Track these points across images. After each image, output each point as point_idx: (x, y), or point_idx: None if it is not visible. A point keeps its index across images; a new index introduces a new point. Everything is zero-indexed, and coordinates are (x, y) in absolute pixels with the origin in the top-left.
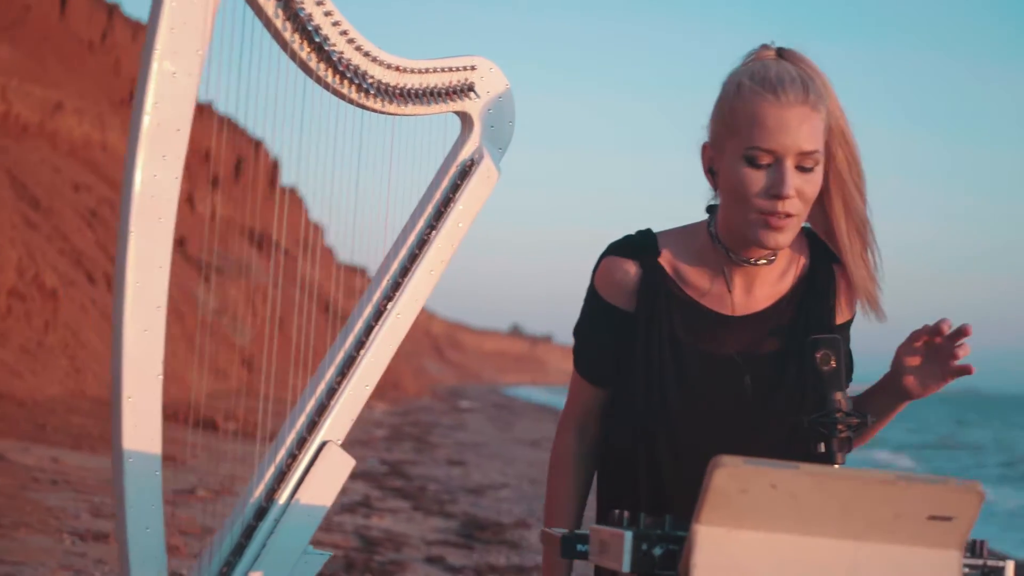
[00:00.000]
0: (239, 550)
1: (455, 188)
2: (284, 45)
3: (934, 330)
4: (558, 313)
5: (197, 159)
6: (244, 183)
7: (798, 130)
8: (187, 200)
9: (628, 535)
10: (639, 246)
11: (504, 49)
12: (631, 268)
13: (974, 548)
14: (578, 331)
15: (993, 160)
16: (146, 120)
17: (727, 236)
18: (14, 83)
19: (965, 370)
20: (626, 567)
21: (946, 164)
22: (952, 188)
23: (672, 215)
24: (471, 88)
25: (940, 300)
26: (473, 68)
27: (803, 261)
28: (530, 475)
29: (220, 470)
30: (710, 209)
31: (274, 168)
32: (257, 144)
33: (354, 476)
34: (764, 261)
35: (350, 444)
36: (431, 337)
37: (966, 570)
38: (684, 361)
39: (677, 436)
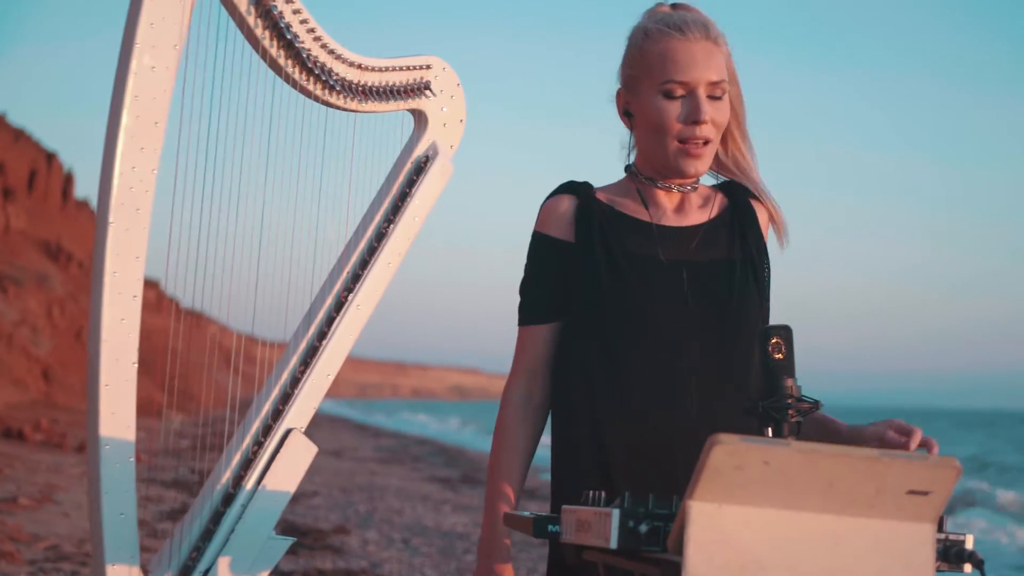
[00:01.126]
0: (207, 535)
1: (411, 183)
2: (255, 42)
3: (904, 434)
4: None
5: None
6: (37, 195)
7: (706, 62)
8: None
9: (616, 513)
10: (575, 185)
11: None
12: (568, 200)
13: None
14: (523, 282)
15: (987, 184)
16: (125, 113)
17: (652, 168)
18: None
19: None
20: (614, 544)
21: (939, 187)
22: (946, 211)
23: (497, 231)
24: (427, 87)
25: (934, 323)
26: (429, 67)
27: (721, 197)
28: (338, 483)
29: (36, 479)
30: (627, 169)
31: (68, 181)
32: (51, 156)
33: (167, 485)
34: (688, 188)
35: (156, 454)
36: (223, 350)
37: None
38: (637, 268)
39: (641, 337)
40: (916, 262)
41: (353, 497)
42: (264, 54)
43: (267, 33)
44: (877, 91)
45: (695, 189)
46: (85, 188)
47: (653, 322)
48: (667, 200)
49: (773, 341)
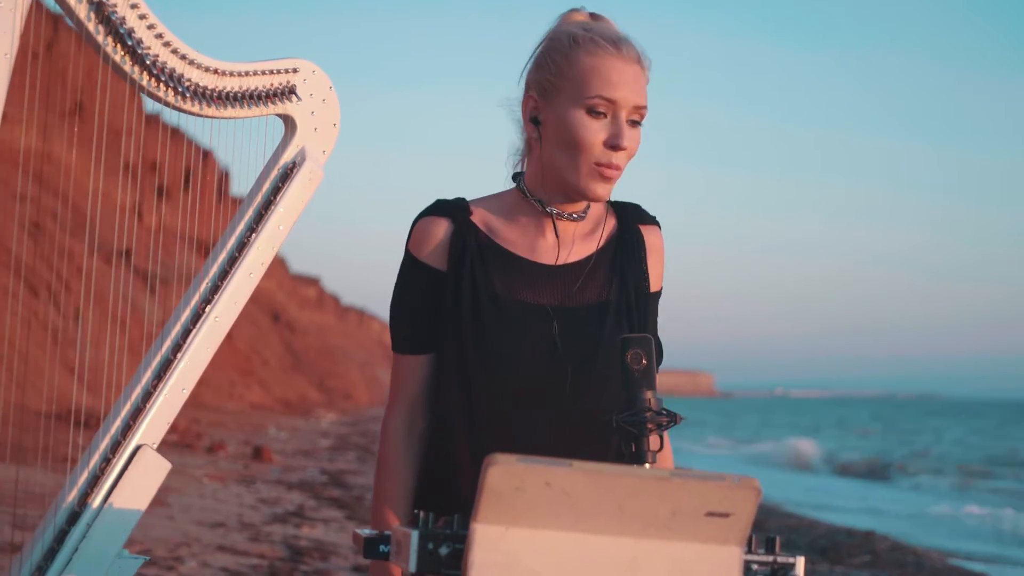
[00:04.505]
0: (51, 555)
1: (276, 191)
2: (96, 48)
3: None
4: None
5: (144, 169)
6: (192, 193)
7: (635, 85)
8: (134, 211)
9: (414, 535)
10: (451, 206)
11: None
12: (443, 225)
13: (768, 544)
14: (393, 306)
15: (983, 168)
16: None
17: (543, 188)
18: None
19: None
20: (412, 567)
21: (935, 171)
22: (942, 196)
23: None
24: (292, 91)
25: (929, 309)
26: (295, 71)
27: (612, 223)
28: None
29: None
30: (515, 177)
31: (223, 178)
32: (206, 153)
33: (291, 486)
34: (576, 216)
35: (292, 454)
36: (385, 347)
37: (755, 567)
38: (503, 311)
39: (499, 384)
40: (911, 247)
41: None
42: (106, 59)
43: (109, 39)
44: (871, 74)
45: (583, 217)
46: (241, 186)
47: (514, 368)
48: (550, 230)
49: (632, 352)
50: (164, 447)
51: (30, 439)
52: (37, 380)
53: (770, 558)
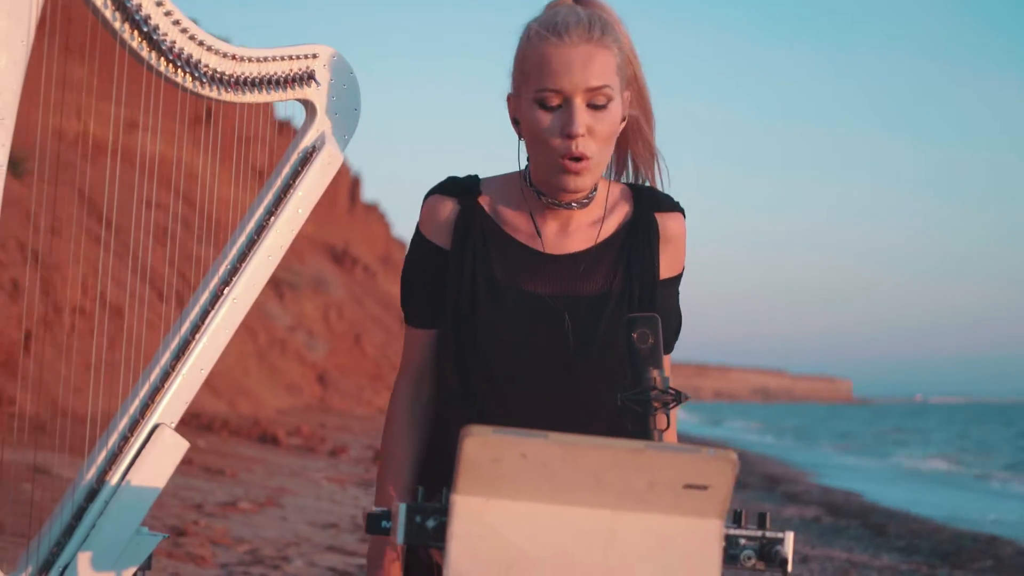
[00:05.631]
0: (69, 531)
1: (296, 175)
2: (114, 34)
3: None
4: None
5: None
6: (324, 200)
7: (584, 68)
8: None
9: (402, 507)
10: (461, 186)
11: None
12: (450, 205)
13: (759, 520)
14: (402, 280)
15: (967, 164)
16: None
17: (538, 181)
18: (88, 102)
19: None
20: (400, 539)
21: (919, 168)
22: (925, 192)
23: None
24: (312, 76)
25: (913, 306)
26: (315, 56)
27: (627, 210)
28: None
29: (271, 483)
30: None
31: (355, 184)
32: None
33: None
34: (576, 205)
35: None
36: None
37: (743, 541)
38: (500, 298)
39: (493, 372)
40: (895, 244)
41: None
42: (124, 45)
43: (126, 26)
44: (851, 68)
45: (587, 204)
46: (373, 191)
47: (508, 358)
48: (553, 218)
49: (638, 332)
50: (283, 451)
51: None
52: None
53: (759, 533)
